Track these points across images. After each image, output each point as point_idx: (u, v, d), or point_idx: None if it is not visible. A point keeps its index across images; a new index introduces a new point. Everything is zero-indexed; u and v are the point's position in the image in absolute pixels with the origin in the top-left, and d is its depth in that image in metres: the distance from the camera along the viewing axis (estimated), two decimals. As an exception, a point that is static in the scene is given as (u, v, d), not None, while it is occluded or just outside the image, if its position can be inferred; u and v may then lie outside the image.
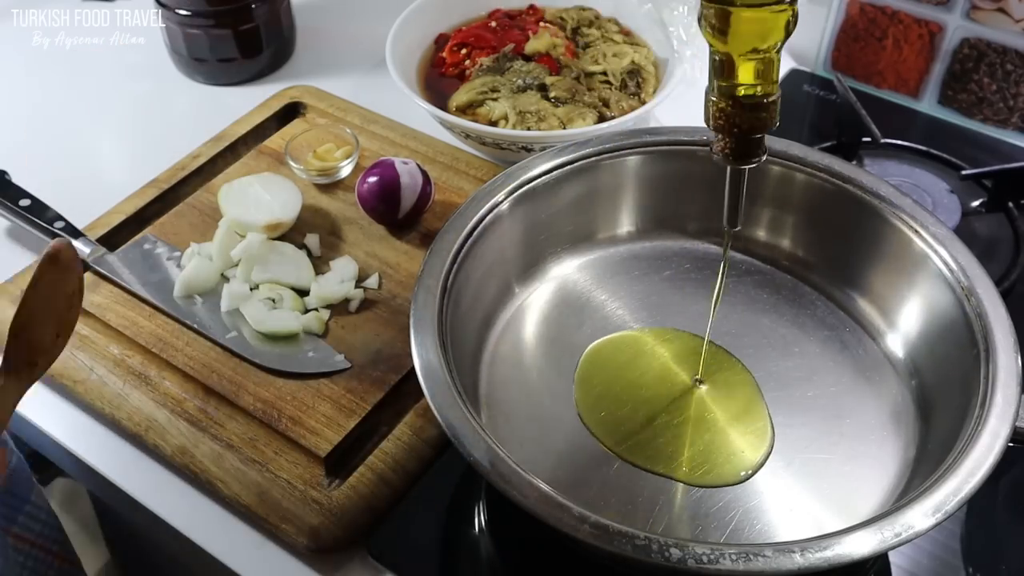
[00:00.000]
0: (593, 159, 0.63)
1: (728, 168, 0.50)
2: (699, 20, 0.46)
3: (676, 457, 0.55)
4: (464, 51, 0.86)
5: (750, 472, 0.54)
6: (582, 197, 0.64)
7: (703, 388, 0.59)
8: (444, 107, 0.80)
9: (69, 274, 0.45)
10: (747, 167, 0.50)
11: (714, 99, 0.47)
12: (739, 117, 0.47)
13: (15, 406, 0.46)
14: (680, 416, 0.57)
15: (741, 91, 0.46)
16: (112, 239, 0.72)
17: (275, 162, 0.78)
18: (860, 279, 0.62)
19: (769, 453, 0.55)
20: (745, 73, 0.46)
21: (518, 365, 0.60)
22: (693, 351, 0.60)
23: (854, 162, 0.76)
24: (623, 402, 0.58)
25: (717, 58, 0.46)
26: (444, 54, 0.86)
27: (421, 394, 0.50)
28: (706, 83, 0.48)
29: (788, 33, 0.45)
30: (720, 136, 0.49)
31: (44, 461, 0.68)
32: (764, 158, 0.49)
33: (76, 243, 0.70)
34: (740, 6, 0.44)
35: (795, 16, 0.44)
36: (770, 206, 0.65)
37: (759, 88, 0.46)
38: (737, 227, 0.53)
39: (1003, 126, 0.83)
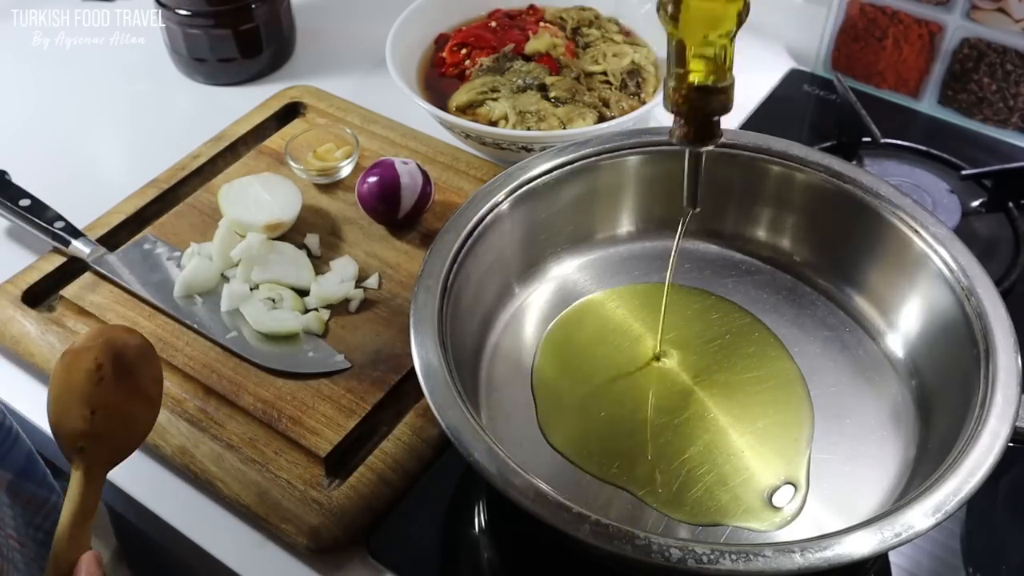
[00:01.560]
0: (593, 159, 0.63)
1: (687, 152, 0.52)
2: (656, 7, 0.47)
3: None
4: (464, 51, 0.86)
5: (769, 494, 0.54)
6: (582, 197, 0.64)
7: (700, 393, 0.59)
8: (444, 107, 0.80)
9: (82, 355, 0.46)
10: (705, 149, 0.51)
11: (672, 84, 0.49)
12: (696, 101, 0.49)
13: (89, 496, 0.46)
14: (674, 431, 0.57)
15: (694, 77, 0.48)
16: (112, 239, 0.72)
17: (275, 162, 0.78)
18: (860, 279, 0.62)
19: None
20: (697, 60, 0.48)
21: (518, 365, 0.60)
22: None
23: (854, 162, 0.76)
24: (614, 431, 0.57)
25: (673, 44, 0.48)
26: (444, 54, 0.86)
27: (421, 394, 0.50)
28: None
29: (740, 22, 0.47)
30: (679, 120, 0.50)
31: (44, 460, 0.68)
32: (720, 140, 0.51)
33: (76, 243, 0.70)
34: None
35: (747, 6, 0.46)
36: (770, 206, 0.65)
37: (712, 75, 0.48)
38: (696, 208, 0.54)
39: (1003, 126, 0.83)
